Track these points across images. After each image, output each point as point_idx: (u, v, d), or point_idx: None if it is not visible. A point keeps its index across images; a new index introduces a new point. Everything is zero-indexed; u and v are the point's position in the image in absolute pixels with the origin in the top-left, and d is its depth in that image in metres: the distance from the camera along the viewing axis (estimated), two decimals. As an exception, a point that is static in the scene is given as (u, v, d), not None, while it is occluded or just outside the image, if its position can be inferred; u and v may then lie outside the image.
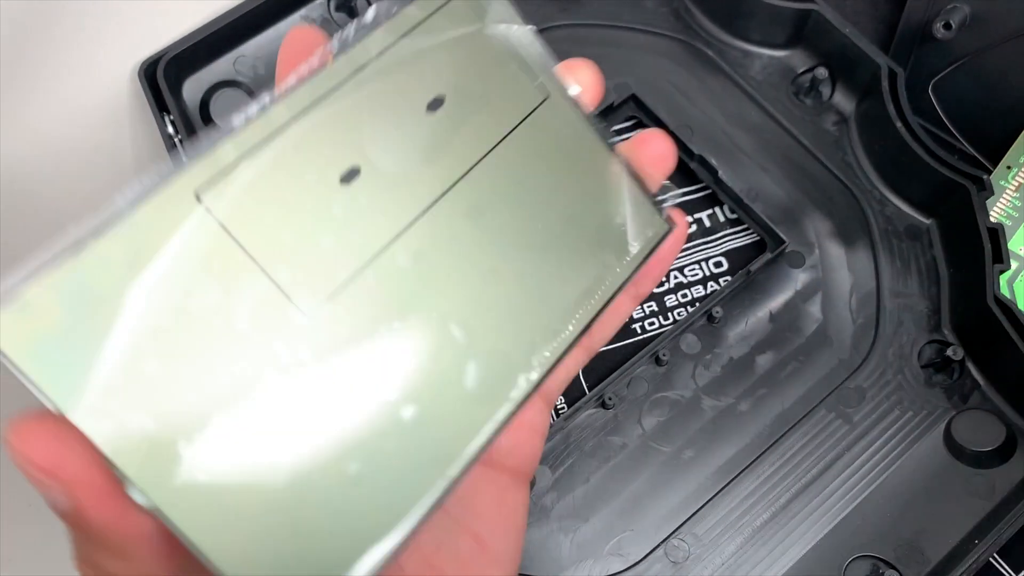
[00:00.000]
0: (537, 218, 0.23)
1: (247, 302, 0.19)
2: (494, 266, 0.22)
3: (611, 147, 0.24)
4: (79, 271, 0.18)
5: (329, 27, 0.42)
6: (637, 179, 0.24)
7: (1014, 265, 0.39)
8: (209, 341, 0.19)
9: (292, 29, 0.25)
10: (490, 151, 0.23)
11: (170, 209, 0.18)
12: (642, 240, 0.25)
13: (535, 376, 0.23)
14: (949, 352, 0.36)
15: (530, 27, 0.23)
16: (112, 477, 0.17)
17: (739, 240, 0.41)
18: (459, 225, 0.22)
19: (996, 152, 0.41)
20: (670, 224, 0.25)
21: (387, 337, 0.21)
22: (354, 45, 0.21)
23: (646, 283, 0.27)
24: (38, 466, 0.17)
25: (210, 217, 0.19)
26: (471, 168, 0.22)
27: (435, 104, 0.22)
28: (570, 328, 0.23)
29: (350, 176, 0.21)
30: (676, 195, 0.25)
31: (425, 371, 0.21)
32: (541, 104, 0.23)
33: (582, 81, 0.24)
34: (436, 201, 0.22)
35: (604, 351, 0.38)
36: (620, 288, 0.24)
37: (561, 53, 0.43)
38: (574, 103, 0.24)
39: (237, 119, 0.19)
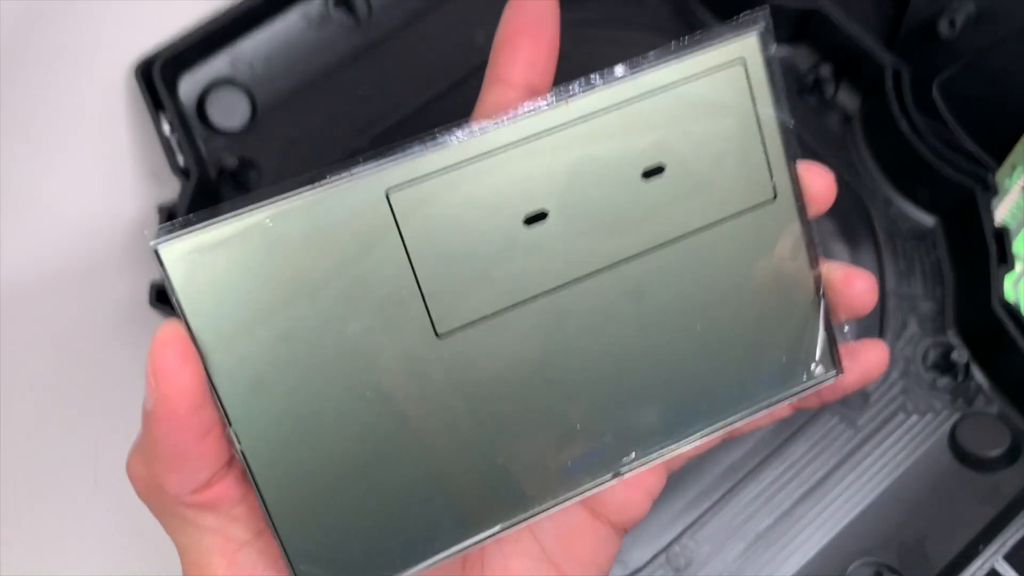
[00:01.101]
0: (708, 313, 0.22)
1: (389, 305, 0.20)
2: (641, 348, 0.22)
3: (816, 267, 0.23)
4: (254, 230, 0.19)
5: (328, 24, 0.42)
6: (827, 313, 0.23)
7: (1019, 267, 0.39)
8: (341, 327, 0.20)
9: None
10: (689, 234, 0.22)
11: (358, 198, 0.19)
12: (807, 375, 0.23)
13: (636, 463, 0.22)
14: (954, 355, 0.36)
15: (788, 120, 0.22)
16: (198, 406, 0.19)
17: (741, 240, 0.40)
18: (622, 298, 0.22)
19: (1002, 151, 0.40)
20: (837, 370, 0.24)
21: (505, 384, 0.21)
22: (596, 90, 0.20)
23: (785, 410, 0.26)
24: (154, 363, 0.19)
25: (390, 216, 0.20)
26: (661, 245, 0.22)
27: (653, 172, 0.21)
28: (696, 434, 0.23)
29: (536, 219, 0.21)
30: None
31: (526, 422, 0.21)
32: (765, 203, 0.22)
33: (816, 188, 0.23)
34: (608, 268, 0.21)
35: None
36: (759, 411, 0.23)
37: (562, 52, 0.43)
38: (800, 211, 0.23)
39: (451, 135, 0.20)
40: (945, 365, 0.36)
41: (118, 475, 0.38)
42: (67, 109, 0.39)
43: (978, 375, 0.36)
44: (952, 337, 0.37)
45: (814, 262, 0.23)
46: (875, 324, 0.37)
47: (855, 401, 0.36)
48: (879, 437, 0.35)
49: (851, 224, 0.39)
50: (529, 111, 0.20)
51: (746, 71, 0.21)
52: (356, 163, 0.19)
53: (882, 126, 0.39)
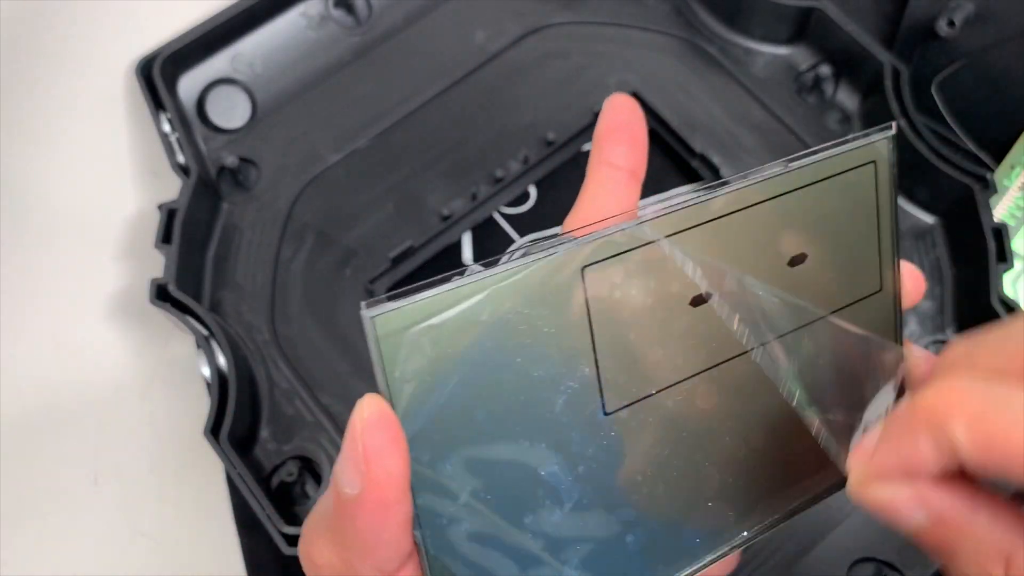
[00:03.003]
0: (817, 395, 0.24)
1: (566, 384, 0.20)
2: (765, 426, 0.23)
3: (902, 357, 0.25)
4: (469, 309, 0.19)
5: (327, 24, 0.42)
6: (901, 394, 0.25)
7: (1018, 265, 0.39)
8: (521, 408, 0.20)
9: (615, 97, 0.27)
10: (818, 319, 0.23)
11: (557, 273, 0.20)
12: None
13: (750, 537, 0.23)
14: (953, 353, 0.36)
15: (895, 214, 0.24)
16: (406, 492, 0.18)
17: (741, 239, 0.40)
18: (757, 379, 0.23)
19: (1000, 150, 0.40)
20: None
21: (654, 460, 0.22)
22: (752, 184, 0.22)
23: None
24: (366, 446, 0.18)
25: (582, 292, 0.20)
26: (797, 329, 0.23)
27: (797, 260, 0.23)
28: (792, 510, 0.24)
29: (700, 300, 0.21)
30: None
31: (669, 498, 0.22)
32: (873, 294, 0.24)
33: (911, 286, 0.25)
34: (751, 350, 0.22)
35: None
36: (838, 487, 0.25)
37: (563, 51, 0.43)
38: (896, 304, 0.24)
39: (638, 219, 0.20)
40: (944, 363, 0.36)
41: (118, 475, 0.38)
42: (68, 107, 0.39)
43: (977, 373, 0.36)
44: (951, 335, 0.37)
45: (899, 351, 0.25)
46: (874, 322, 0.37)
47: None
48: (879, 434, 0.35)
49: (850, 223, 0.39)
50: (699, 198, 0.21)
51: (875, 171, 0.23)
52: (558, 240, 0.20)
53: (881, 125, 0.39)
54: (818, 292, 0.23)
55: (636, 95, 0.41)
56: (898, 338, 0.25)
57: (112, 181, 0.41)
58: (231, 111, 0.41)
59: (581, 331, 0.20)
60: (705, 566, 0.23)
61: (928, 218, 0.39)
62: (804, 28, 0.41)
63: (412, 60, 0.42)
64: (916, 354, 0.25)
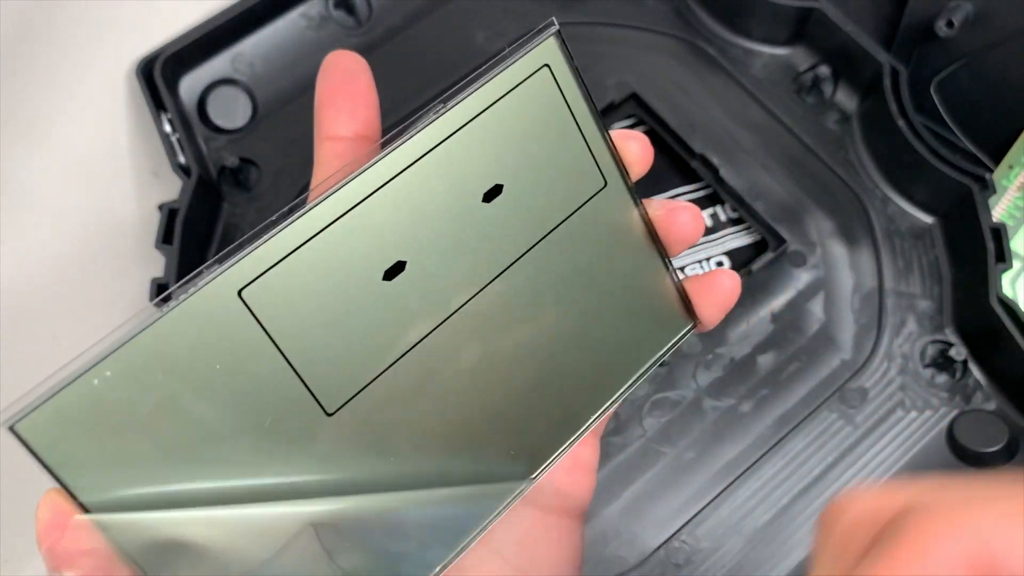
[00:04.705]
0: (579, 306, 0.23)
1: (275, 400, 0.19)
2: (527, 358, 0.23)
3: (653, 230, 0.24)
4: (112, 381, 0.18)
5: (327, 25, 0.42)
6: (674, 271, 0.25)
7: (1017, 264, 0.39)
8: (235, 443, 0.19)
9: (331, 55, 0.24)
10: (540, 240, 0.22)
11: (211, 307, 0.19)
12: (671, 334, 0.25)
13: (546, 464, 0.23)
14: (952, 352, 0.36)
15: (595, 106, 0.23)
16: (113, 569, 0.18)
17: (740, 239, 0.41)
18: (497, 318, 0.22)
19: (999, 151, 0.40)
20: (695, 320, 0.25)
21: (410, 431, 0.21)
22: (418, 132, 0.20)
23: None
24: (62, 550, 0.18)
25: (249, 315, 0.19)
26: (517, 260, 0.22)
27: (492, 193, 0.22)
28: (592, 419, 0.24)
29: (394, 271, 0.21)
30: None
31: (435, 457, 0.22)
32: (600, 192, 0.23)
33: (635, 153, 0.24)
34: (477, 295, 0.22)
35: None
36: (643, 376, 0.24)
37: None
38: (628, 188, 0.24)
39: (286, 219, 0.19)
40: (943, 362, 0.36)
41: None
42: (69, 108, 0.39)
43: (976, 372, 0.36)
44: (950, 335, 0.37)
45: (650, 227, 0.24)
46: (874, 321, 0.37)
47: (854, 398, 0.36)
48: (877, 434, 0.35)
49: (849, 223, 0.39)
50: (356, 172, 0.20)
51: (552, 73, 0.22)
52: (198, 275, 0.19)
53: (880, 125, 0.39)
54: (531, 215, 0.22)
55: (635, 96, 0.41)
56: (644, 215, 0.24)
57: (112, 181, 0.41)
58: (232, 111, 0.41)
59: (267, 352, 0.19)
60: (505, 508, 0.22)
61: (927, 218, 0.39)
62: (803, 29, 0.41)
63: (412, 60, 0.42)
64: (655, 205, 0.24)
